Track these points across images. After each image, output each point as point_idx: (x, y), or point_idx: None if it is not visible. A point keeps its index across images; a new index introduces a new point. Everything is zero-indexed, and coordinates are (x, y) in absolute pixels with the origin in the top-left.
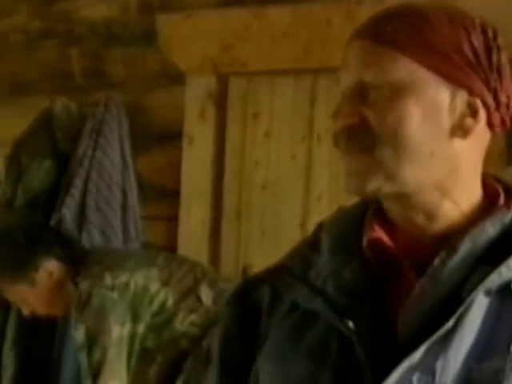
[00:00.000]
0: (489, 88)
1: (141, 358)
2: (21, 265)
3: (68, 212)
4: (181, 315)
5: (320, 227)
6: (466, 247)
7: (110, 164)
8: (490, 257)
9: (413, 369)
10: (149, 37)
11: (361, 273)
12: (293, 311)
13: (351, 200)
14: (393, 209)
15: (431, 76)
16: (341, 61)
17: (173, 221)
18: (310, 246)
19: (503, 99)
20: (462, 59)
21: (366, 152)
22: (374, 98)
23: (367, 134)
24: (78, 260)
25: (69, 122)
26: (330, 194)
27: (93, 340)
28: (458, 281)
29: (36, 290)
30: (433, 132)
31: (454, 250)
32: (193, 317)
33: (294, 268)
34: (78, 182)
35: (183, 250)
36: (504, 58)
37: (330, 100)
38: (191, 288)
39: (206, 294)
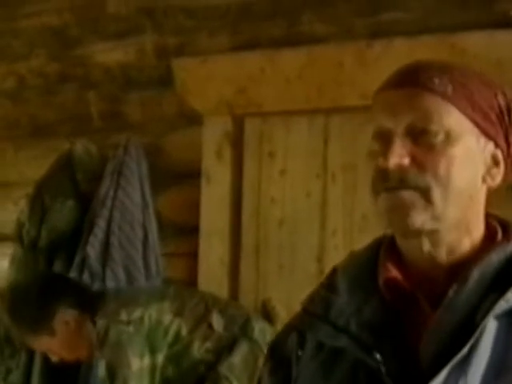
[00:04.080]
0: (507, 142)
1: None
2: (37, 319)
3: (92, 251)
4: (197, 343)
5: (334, 271)
6: (475, 278)
7: (132, 204)
8: (498, 284)
9: None
10: (165, 80)
11: (380, 310)
12: (319, 350)
13: (365, 234)
14: (414, 245)
15: (472, 128)
16: (379, 103)
17: (192, 257)
18: (327, 288)
19: None
20: (493, 115)
21: (419, 191)
22: (427, 142)
23: (421, 175)
24: (94, 303)
25: (89, 164)
26: (344, 229)
27: (113, 373)
28: (470, 309)
29: (57, 339)
30: (472, 178)
31: (465, 281)
32: (207, 344)
33: (315, 310)
34: (101, 222)
35: (203, 286)
36: None
37: (343, 138)
38: (203, 316)
39: (217, 322)
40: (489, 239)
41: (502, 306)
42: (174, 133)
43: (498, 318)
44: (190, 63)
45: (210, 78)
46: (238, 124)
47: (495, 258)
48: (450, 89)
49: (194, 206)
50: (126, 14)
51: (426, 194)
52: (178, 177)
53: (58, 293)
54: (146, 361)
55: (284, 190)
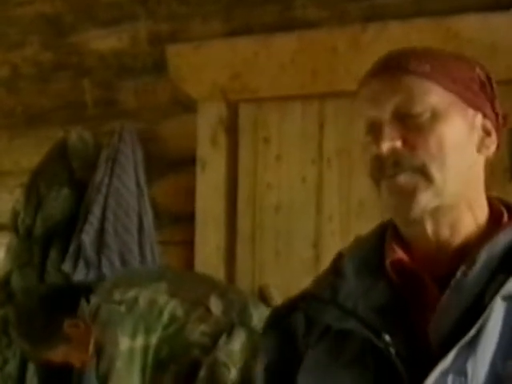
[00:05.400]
0: (495, 112)
1: (155, 369)
2: (49, 333)
3: (87, 238)
4: (191, 325)
5: (340, 256)
6: (483, 259)
7: (127, 191)
8: (506, 266)
9: (446, 371)
10: (159, 67)
11: (387, 292)
12: (325, 334)
13: (361, 219)
14: (418, 231)
15: (457, 100)
16: (362, 95)
17: (188, 245)
18: (333, 273)
19: (501, 123)
20: (476, 86)
21: (417, 172)
22: (415, 123)
23: (413, 154)
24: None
25: (84, 151)
26: (340, 213)
27: (100, 351)
28: (479, 290)
29: (73, 343)
30: (467, 149)
31: (473, 262)
32: (203, 327)
33: (322, 294)
34: (96, 210)
35: None
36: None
37: (338, 123)
38: (200, 299)
39: (215, 305)
40: (494, 220)
41: (510, 287)
42: (168, 119)
43: (507, 299)
44: (184, 49)
45: (203, 64)
46: (233, 110)
47: (503, 239)
48: (428, 68)
49: (190, 193)
50: (119, 0)
51: (424, 173)
52: (172, 164)
53: (60, 306)
54: (140, 341)
55: (279, 176)
